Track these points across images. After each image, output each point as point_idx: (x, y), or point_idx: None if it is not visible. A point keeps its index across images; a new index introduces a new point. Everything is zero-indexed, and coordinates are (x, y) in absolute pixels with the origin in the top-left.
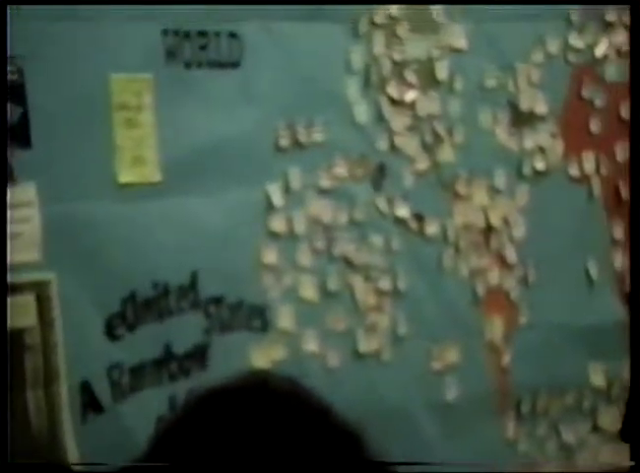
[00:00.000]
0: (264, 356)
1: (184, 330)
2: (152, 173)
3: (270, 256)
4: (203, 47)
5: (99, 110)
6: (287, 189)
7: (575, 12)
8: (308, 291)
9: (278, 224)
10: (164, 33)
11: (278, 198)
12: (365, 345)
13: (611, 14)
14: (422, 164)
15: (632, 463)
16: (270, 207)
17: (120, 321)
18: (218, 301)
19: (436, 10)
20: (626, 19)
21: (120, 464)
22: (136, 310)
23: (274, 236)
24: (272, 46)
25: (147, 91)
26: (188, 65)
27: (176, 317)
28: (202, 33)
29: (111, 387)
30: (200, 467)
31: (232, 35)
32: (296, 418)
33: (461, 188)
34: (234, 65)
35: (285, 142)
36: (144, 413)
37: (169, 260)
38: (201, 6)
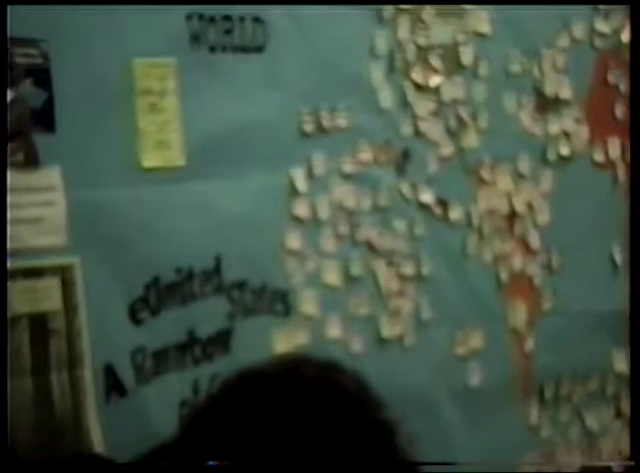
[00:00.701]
0: (287, 340)
1: (208, 315)
2: (176, 158)
3: (293, 241)
4: (228, 32)
5: (123, 95)
6: (310, 174)
7: None
8: (331, 276)
9: (301, 209)
10: (189, 17)
11: (301, 183)
12: (389, 330)
13: None
14: (447, 149)
15: (632, 463)
16: (294, 192)
17: (143, 305)
18: (241, 285)
19: None
20: None
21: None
22: (159, 295)
23: (297, 221)
24: (296, 31)
25: (171, 75)
26: (213, 49)
27: (200, 302)
28: (226, 18)
29: (135, 371)
30: (231, 452)
31: (257, 20)
32: (328, 406)
33: (485, 174)
34: (259, 50)
35: (308, 127)
36: (167, 397)
37: (193, 245)
38: None
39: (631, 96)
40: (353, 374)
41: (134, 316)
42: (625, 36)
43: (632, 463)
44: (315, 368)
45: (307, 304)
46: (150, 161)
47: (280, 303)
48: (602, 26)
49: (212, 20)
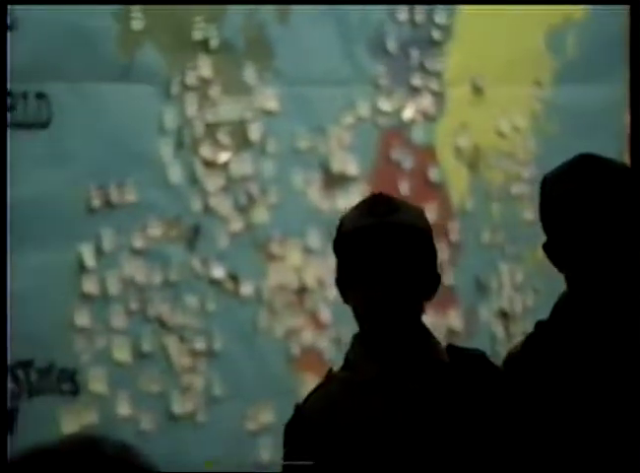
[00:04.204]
0: (75, 420)
1: None
2: None
3: (82, 318)
4: (9, 108)
5: None
6: (99, 250)
7: (383, 77)
8: (122, 352)
9: (90, 285)
10: None
11: (90, 259)
12: (180, 407)
13: (417, 79)
14: (236, 224)
15: None
16: (82, 268)
17: None
18: (26, 365)
19: (248, 72)
20: (432, 84)
21: None
22: None
23: (86, 297)
24: (82, 107)
25: None
26: None
27: None
28: (8, 94)
29: None
30: None
31: (40, 96)
32: None
33: (275, 249)
34: (43, 125)
35: (96, 202)
36: None
37: None
38: None
39: (631, 101)
40: (142, 455)
41: None
42: (406, 115)
43: None
44: (111, 446)
45: (96, 381)
46: None
47: (67, 382)
48: (384, 104)
49: None
